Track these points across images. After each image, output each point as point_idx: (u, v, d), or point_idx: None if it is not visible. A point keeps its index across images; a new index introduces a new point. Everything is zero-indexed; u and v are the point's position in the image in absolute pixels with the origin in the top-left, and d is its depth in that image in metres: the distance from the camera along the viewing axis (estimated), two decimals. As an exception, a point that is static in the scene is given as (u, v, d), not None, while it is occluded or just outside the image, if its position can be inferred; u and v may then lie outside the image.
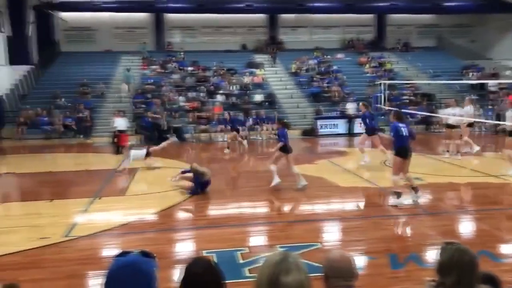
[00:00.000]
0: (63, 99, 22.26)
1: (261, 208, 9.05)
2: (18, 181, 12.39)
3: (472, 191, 10.08)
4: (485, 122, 19.12)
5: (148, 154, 12.85)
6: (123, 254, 1.80)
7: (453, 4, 29.58)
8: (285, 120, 11.74)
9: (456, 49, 31.65)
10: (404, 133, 8.49)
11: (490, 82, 23.81)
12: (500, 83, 24.27)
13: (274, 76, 26.66)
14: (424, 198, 9.03)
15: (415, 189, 8.60)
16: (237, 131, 17.40)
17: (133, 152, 12.93)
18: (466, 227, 7.70)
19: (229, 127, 17.93)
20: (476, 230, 7.44)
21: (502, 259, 5.94)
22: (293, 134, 19.44)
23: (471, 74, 27.11)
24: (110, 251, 6.63)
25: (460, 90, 24.95)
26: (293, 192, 9.83)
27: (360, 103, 13.71)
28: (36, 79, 25.11)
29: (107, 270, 1.79)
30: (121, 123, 16.40)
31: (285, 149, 9.99)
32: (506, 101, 22.02)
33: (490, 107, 22.78)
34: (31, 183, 11.94)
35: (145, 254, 1.83)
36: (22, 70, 24.53)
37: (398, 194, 8.52)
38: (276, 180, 9.96)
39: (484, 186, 10.09)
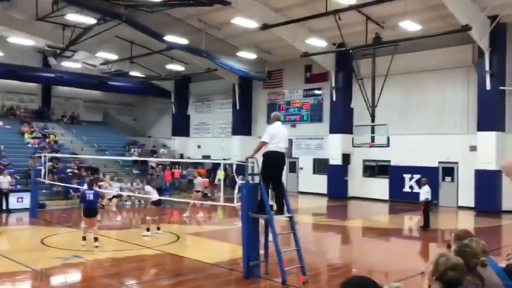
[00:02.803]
0: None
1: None
2: None
3: (130, 264, 10.45)
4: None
5: None
6: None
7: (117, 84, 31.59)
8: None
9: (120, 125, 33.68)
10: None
11: (150, 159, 26.04)
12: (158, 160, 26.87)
13: None
14: (83, 277, 8.80)
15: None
16: None
17: None
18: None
19: None
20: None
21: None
22: None
23: (133, 150, 29.05)
24: None
25: (124, 165, 26.33)
26: None
27: None
28: None
29: None
30: None
31: None
32: (162, 174, 24.50)
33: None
34: None
35: None
36: None
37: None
38: None
39: (141, 259, 10.65)
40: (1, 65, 26.49)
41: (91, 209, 11.74)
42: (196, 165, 26.77)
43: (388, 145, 20.67)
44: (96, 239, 11.29)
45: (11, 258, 10.13)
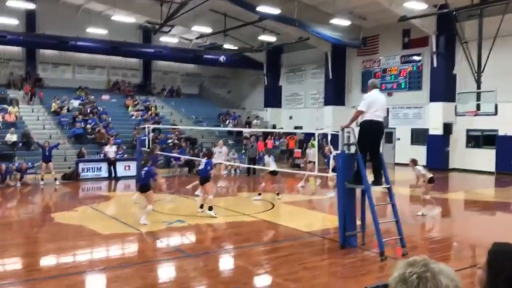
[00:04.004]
0: None
1: (9, 265, 7.93)
2: None
3: (228, 230, 10.87)
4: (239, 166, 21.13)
5: None
6: None
7: (211, 57, 32.32)
8: None
9: (215, 97, 34.65)
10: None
11: (244, 129, 26.66)
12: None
13: (30, 114, 24.36)
14: (185, 240, 9.36)
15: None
16: None
17: None
18: (225, 265, 8.22)
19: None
20: (233, 268, 8.02)
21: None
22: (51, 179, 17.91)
23: (228, 121, 29.85)
24: None
25: (220, 136, 27.18)
26: (49, 244, 8.95)
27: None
28: None
29: None
30: None
31: None
32: (255, 145, 24.88)
33: (243, 151, 25.37)
34: None
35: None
36: None
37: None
38: None
39: (238, 225, 11.03)
40: (106, 42, 28.34)
41: (201, 178, 12.09)
42: (288, 135, 26.88)
43: (495, 113, 19.15)
44: (210, 208, 11.55)
45: (122, 221, 11.03)
